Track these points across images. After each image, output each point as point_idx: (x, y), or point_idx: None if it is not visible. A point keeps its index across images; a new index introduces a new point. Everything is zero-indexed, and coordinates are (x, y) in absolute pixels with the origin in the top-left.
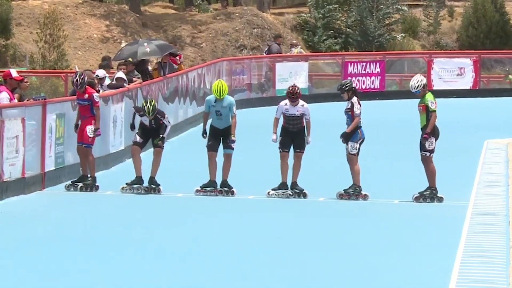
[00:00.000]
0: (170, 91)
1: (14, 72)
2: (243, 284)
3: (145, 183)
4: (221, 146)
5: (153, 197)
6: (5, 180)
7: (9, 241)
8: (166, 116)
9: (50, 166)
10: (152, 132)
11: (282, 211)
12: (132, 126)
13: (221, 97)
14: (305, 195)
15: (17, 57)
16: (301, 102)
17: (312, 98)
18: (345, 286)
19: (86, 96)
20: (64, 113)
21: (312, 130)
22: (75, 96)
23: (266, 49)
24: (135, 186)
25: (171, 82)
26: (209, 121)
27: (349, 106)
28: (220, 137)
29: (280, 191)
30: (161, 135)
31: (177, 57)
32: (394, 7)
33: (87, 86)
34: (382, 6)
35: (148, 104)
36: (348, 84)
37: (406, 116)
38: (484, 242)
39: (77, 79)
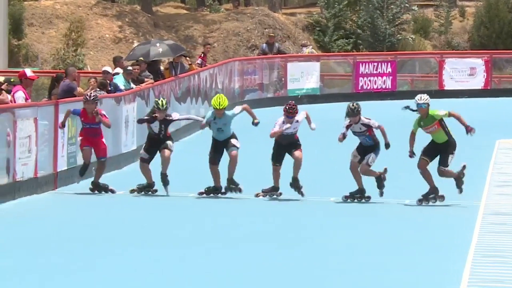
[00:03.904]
0: (182, 91)
1: (28, 72)
2: (243, 285)
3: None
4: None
5: (165, 198)
6: (17, 179)
7: (20, 240)
8: (173, 114)
9: (62, 166)
10: (159, 144)
11: (286, 211)
12: (141, 120)
13: (220, 107)
14: (302, 194)
15: (29, 57)
16: (295, 117)
17: (324, 98)
18: (357, 284)
19: (97, 119)
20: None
21: (323, 129)
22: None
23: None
24: (146, 188)
25: (183, 82)
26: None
27: (365, 128)
28: (222, 148)
29: (269, 193)
30: (168, 142)
31: (188, 58)
32: (403, 6)
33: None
34: (392, 6)
35: (161, 98)
36: (358, 106)
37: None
38: (496, 241)
39: (91, 93)
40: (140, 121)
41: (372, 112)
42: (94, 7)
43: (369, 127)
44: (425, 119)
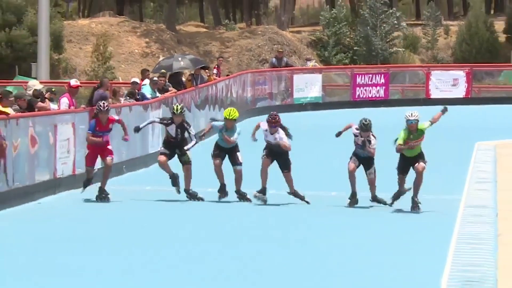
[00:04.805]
0: (201, 99)
1: (72, 81)
2: (244, 285)
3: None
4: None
5: (166, 198)
6: (58, 177)
7: (58, 230)
8: (191, 127)
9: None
10: (176, 146)
11: (286, 211)
12: (137, 129)
13: (230, 117)
14: (308, 202)
15: (68, 70)
16: (280, 133)
17: (325, 106)
18: (356, 284)
19: (111, 126)
20: None
21: (324, 133)
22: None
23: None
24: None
25: (202, 91)
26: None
27: (366, 144)
28: (225, 152)
29: (260, 195)
30: (185, 150)
31: (207, 70)
32: (393, 23)
33: (109, 116)
34: (384, 25)
35: (177, 103)
36: (370, 122)
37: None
38: (475, 231)
39: (104, 103)
40: (136, 129)
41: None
42: (125, 26)
43: (369, 144)
44: (415, 134)
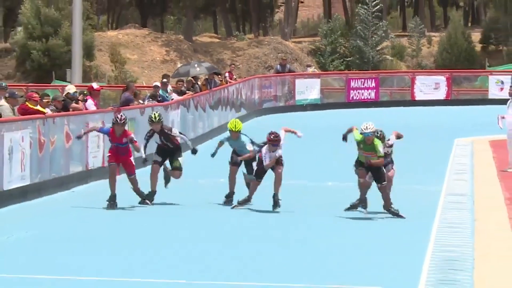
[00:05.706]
0: (215, 101)
1: (95, 85)
2: (243, 285)
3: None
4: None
5: (166, 199)
6: (89, 168)
7: (58, 230)
8: (173, 129)
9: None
10: (169, 153)
11: (286, 211)
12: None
13: (236, 129)
14: (278, 206)
15: (98, 75)
16: (278, 151)
17: (323, 106)
18: (348, 275)
19: (125, 140)
20: (134, 117)
21: (321, 134)
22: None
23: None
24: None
25: (215, 94)
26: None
27: (391, 149)
28: (242, 160)
29: (244, 204)
30: (178, 158)
31: (219, 76)
32: (382, 35)
33: (125, 129)
34: (374, 36)
35: (154, 112)
36: (382, 132)
37: (396, 121)
38: (454, 216)
39: (121, 116)
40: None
41: (360, 117)
42: (148, 37)
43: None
44: (367, 145)
